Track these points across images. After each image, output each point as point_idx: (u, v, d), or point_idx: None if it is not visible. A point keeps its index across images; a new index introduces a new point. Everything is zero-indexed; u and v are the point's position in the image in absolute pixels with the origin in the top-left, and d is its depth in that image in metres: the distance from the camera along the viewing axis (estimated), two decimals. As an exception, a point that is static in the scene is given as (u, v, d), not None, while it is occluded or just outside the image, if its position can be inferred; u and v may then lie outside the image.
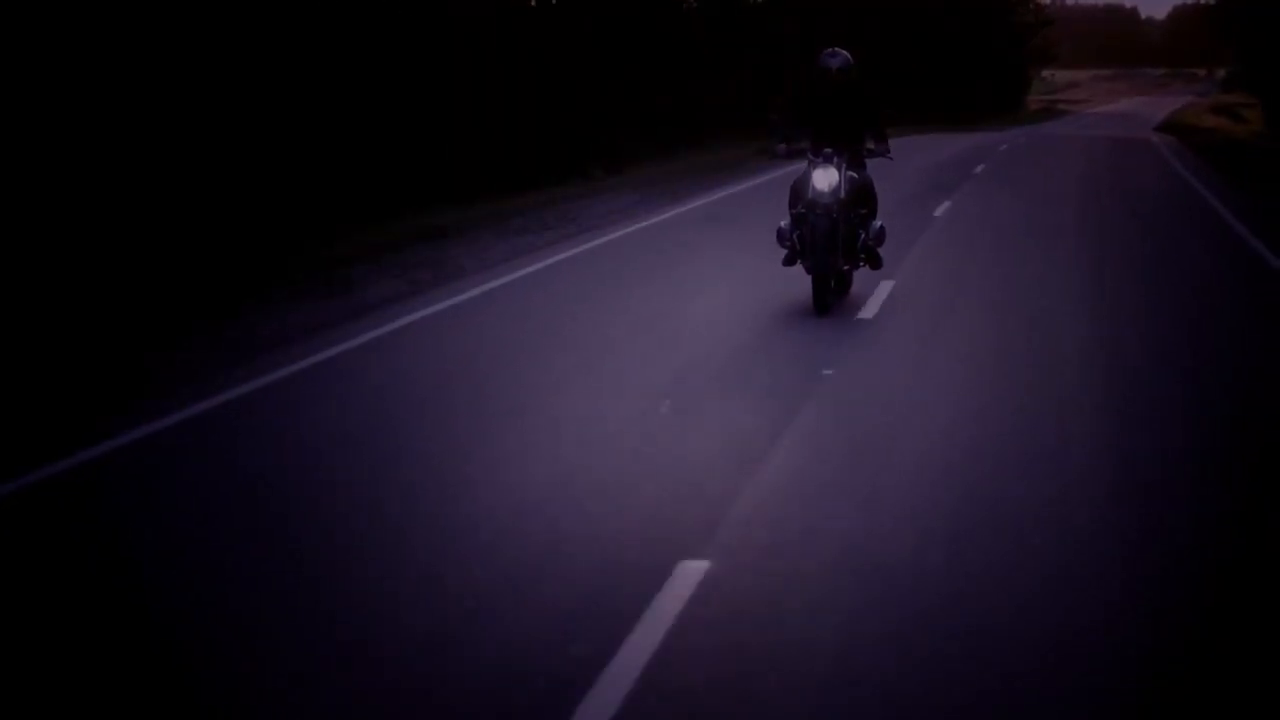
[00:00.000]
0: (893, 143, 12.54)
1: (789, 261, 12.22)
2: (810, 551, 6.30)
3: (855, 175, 12.15)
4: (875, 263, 12.56)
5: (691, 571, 5.94)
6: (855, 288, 12.46)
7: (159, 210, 19.46)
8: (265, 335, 11.36)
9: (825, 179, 11.90)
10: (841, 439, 8.28)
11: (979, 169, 29.89)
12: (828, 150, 12.02)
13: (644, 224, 19.75)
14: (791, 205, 12.20)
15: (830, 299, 11.90)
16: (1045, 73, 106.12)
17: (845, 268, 12.18)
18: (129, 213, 18.88)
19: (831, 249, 11.79)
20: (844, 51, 12.46)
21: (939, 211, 20.65)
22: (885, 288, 12.98)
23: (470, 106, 28.38)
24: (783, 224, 12.26)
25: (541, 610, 5.60)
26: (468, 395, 9.40)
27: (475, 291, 13.62)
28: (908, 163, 28.15)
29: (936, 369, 10.16)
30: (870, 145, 12.38)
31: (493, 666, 5.09)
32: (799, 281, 12.15)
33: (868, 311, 12.02)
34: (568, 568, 6.06)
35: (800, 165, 12.37)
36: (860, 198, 12.19)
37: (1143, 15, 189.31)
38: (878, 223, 12.45)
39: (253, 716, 4.83)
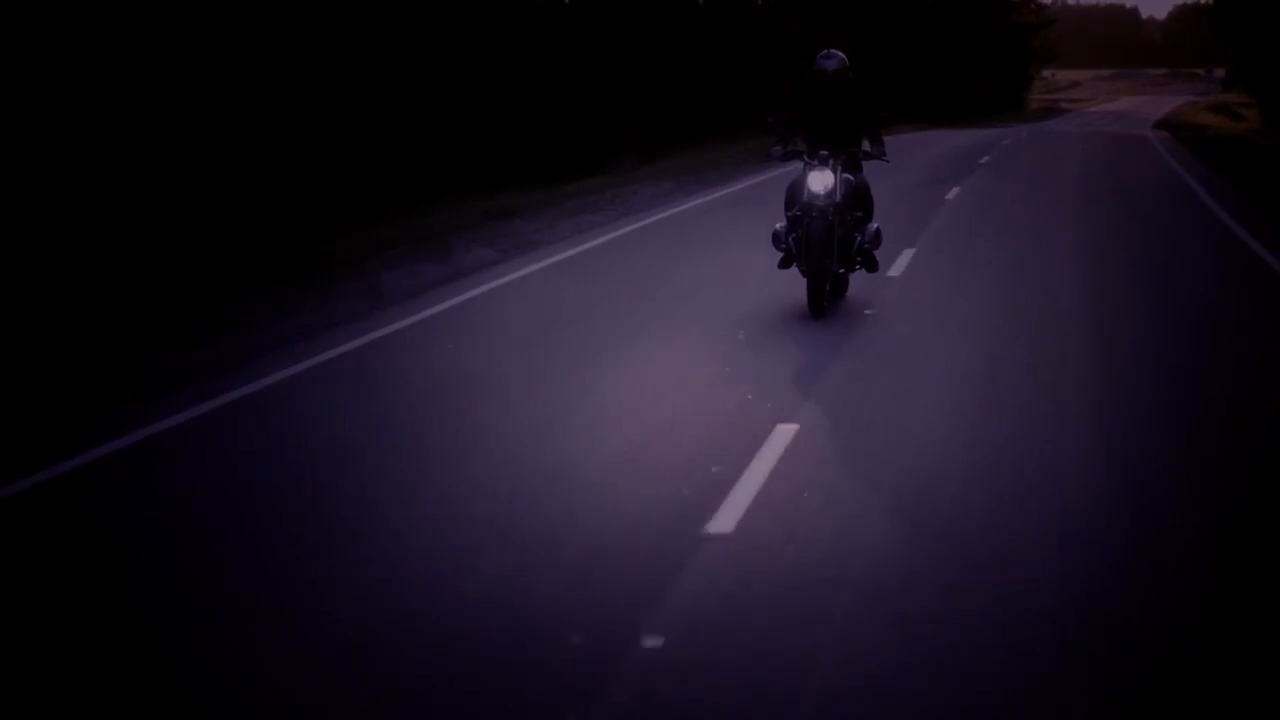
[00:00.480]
0: (901, 138, 14.44)
1: (784, 264, 12.28)
2: (864, 420, 8.71)
3: (851, 178, 12.11)
4: (871, 265, 12.60)
5: (785, 430, 8.29)
6: (882, 253, 13.48)
7: (231, 198, 21.34)
8: (404, 288, 13.78)
9: (821, 181, 11.84)
10: (882, 356, 10.63)
11: (984, 160, 32.24)
12: (823, 152, 11.96)
13: (685, 206, 22.01)
14: (787, 208, 12.20)
15: (825, 303, 11.90)
16: (1046, 72, 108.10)
17: (841, 271, 12.17)
18: (196, 200, 20.45)
19: (827, 252, 11.77)
20: (840, 53, 12.42)
21: (950, 195, 23.06)
22: (908, 254, 15.31)
23: (514, 102, 30.51)
24: (778, 226, 12.28)
25: (690, 445, 7.98)
26: (587, 326, 11.88)
27: (559, 257, 15.94)
28: (919, 154, 31.54)
29: (952, 310, 12.60)
30: (866, 148, 12.35)
31: (671, 469, 7.53)
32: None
33: (895, 271, 14.27)
34: (703, 423, 8.44)
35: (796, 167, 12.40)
36: (856, 200, 12.15)
37: (1143, 15, 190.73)
38: (874, 225, 12.43)
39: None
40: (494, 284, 14.10)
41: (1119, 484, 7.42)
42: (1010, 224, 19.57)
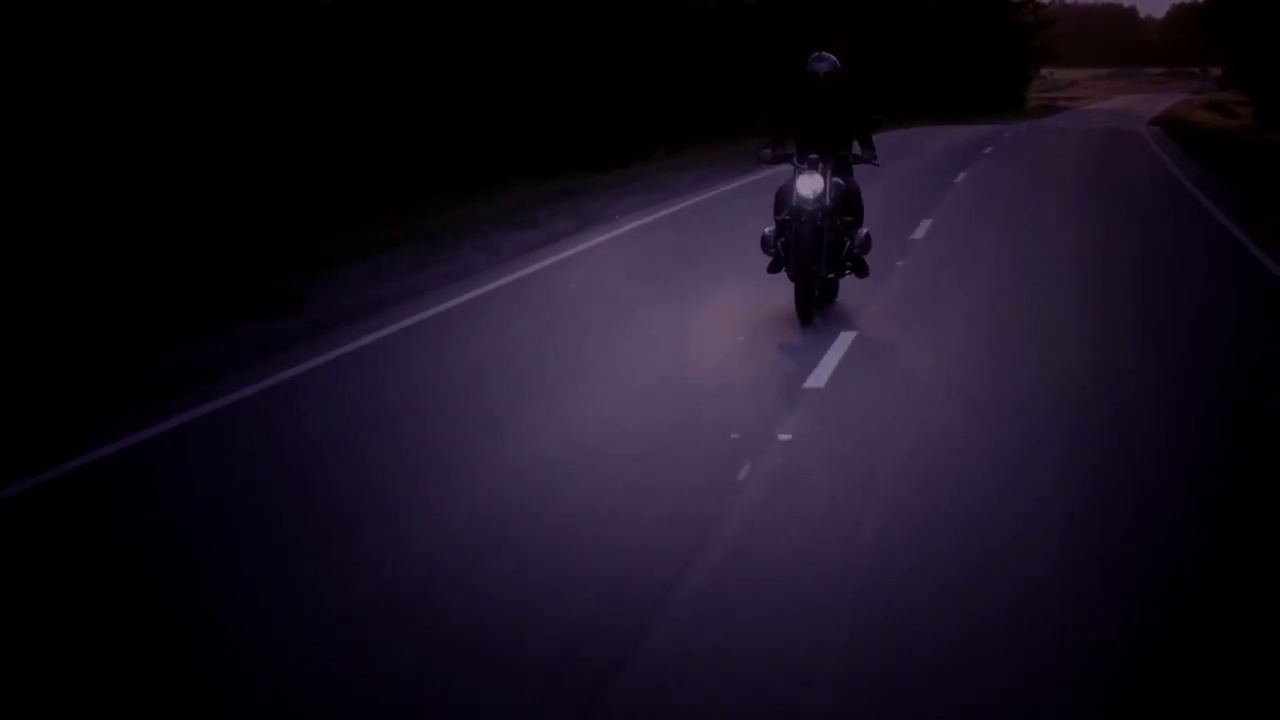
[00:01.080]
0: (910, 131, 16.70)
1: (773, 269, 12.26)
2: (913, 320, 12.25)
3: (841, 181, 12.03)
4: (861, 270, 12.53)
5: (849, 335, 11.39)
6: (903, 222, 17.53)
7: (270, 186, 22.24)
8: (507, 251, 16.77)
9: (810, 185, 11.75)
10: (909, 296, 13.72)
11: (988, 150, 35.77)
12: (813, 156, 11.85)
13: (721, 190, 24.79)
14: (776, 212, 12.10)
15: (814, 308, 11.88)
16: (1045, 71, 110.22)
17: (830, 276, 12.18)
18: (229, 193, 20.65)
19: (816, 257, 11.71)
20: (831, 56, 12.28)
21: (958, 179, 26.69)
22: (926, 224, 18.74)
23: (515, 101, 32.67)
24: (767, 230, 12.23)
25: (773, 353, 11.06)
26: (662, 282, 14.33)
27: (626, 229, 18.92)
28: (929, 144, 36.16)
29: (968, 266, 15.82)
30: (857, 151, 12.25)
31: (762, 375, 10.56)
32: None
33: (918, 235, 17.59)
34: (786, 336, 11.43)
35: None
36: (846, 205, 12.09)
37: (1142, 15, 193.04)
38: (864, 230, 12.38)
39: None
40: (579, 247, 17.12)
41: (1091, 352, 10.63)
42: (1013, 199, 23.90)
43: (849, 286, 12.74)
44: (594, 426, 8.91)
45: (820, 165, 11.84)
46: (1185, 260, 16.47)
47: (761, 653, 5.55)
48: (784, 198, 12.02)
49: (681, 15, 39.27)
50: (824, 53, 12.38)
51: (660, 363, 10.72)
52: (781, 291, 12.28)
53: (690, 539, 6.76)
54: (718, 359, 10.79)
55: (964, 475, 7.88)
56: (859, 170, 12.48)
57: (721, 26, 42.68)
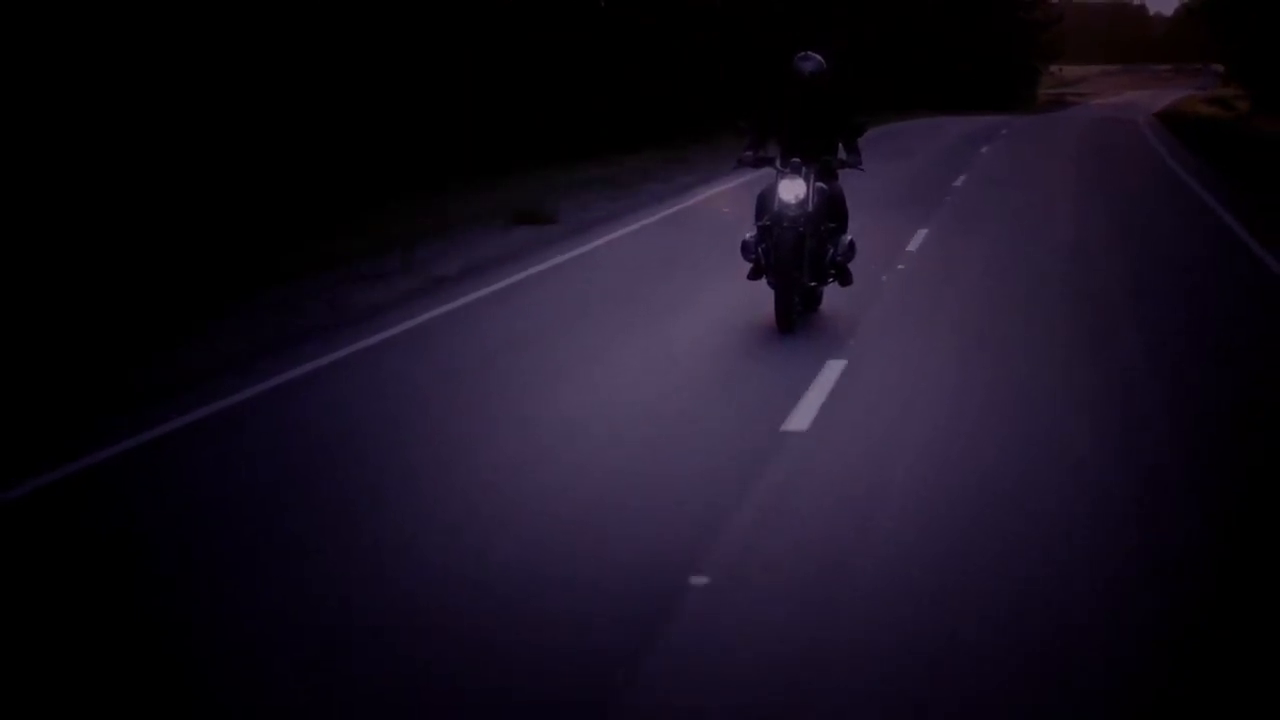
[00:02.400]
0: (930, 120, 18.91)
1: (754, 275, 11.76)
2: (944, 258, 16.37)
3: (825, 186, 11.59)
4: (845, 279, 12.08)
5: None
6: (942, 173, 23.55)
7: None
8: (598, 217, 19.76)
9: (792, 190, 11.34)
10: (936, 246, 17.02)
11: (1003, 132, 42.72)
12: (795, 160, 11.44)
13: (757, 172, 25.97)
14: (757, 217, 11.64)
15: (795, 318, 11.44)
16: (1053, 68, 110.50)
17: (812, 285, 11.73)
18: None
19: (797, 264, 11.31)
20: (818, 55, 11.79)
21: (984, 149, 34.63)
22: (961, 179, 25.51)
23: (583, 86, 32.98)
24: (748, 236, 11.74)
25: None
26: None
27: (691, 201, 22.39)
28: (952, 128, 43.71)
29: (990, 219, 20.09)
30: (842, 155, 11.83)
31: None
32: (885, 180, 22.11)
33: (957, 183, 24.13)
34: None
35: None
36: (830, 211, 11.68)
37: (1150, 11, 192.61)
38: (847, 237, 11.95)
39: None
40: (668, 210, 21.25)
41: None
42: (1026, 167, 30.36)
43: (829, 294, 12.46)
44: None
45: (803, 169, 11.42)
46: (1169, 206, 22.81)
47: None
48: (765, 202, 11.59)
49: (682, 15, 39.34)
50: (810, 52, 11.87)
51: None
52: (763, 299, 11.69)
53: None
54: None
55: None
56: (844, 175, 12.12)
57: (722, 26, 42.68)
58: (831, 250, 11.84)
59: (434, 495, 7.49)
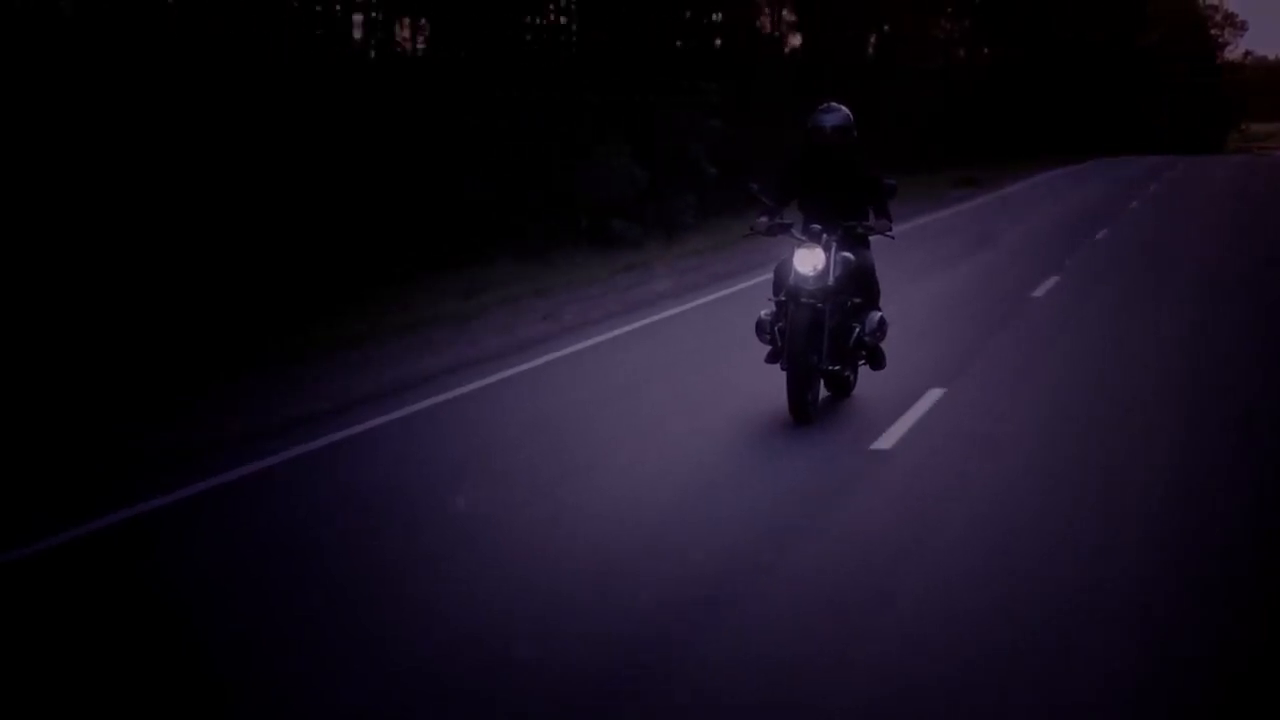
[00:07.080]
0: (1139, 160, 19.95)
1: (771, 359, 10.36)
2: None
3: (851, 256, 10.29)
4: (876, 361, 10.74)
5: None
6: (1130, 192, 26.78)
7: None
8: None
9: (810, 261, 10.04)
10: (1113, 249, 20.47)
11: (1180, 166, 50.13)
12: (815, 227, 10.23)
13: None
14: (774, 292, 10.38)
15: (812, 408, 10.05)
16: (1242, 125, 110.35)
17: (835, 369, 10.31)
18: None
19: (813, 345, 9.97)
20: (843, 108, 10.60)
21: (1167, 174, 43.11)
22: (1137, 200, 29.29)
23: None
24: (763, 314, 10.44)
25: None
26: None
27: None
28: (1136, 164, 49.25)
29: (1170, 225, 23.71)
30: (870, 221, 10.49)
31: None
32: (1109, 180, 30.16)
33: (1134, 204, 27.46)
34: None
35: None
36: (856, 284, 10.36)
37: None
38: (877, 314, 10.57)
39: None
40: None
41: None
42: (1193, 193, 35.59)
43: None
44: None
45: (823, 237, 10.14)
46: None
47: None
48: (781, 275, 10.29)
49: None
50: (833, 103, 10.67)
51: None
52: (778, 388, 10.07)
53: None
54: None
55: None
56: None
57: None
58: (858, 329, 10.45)
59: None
